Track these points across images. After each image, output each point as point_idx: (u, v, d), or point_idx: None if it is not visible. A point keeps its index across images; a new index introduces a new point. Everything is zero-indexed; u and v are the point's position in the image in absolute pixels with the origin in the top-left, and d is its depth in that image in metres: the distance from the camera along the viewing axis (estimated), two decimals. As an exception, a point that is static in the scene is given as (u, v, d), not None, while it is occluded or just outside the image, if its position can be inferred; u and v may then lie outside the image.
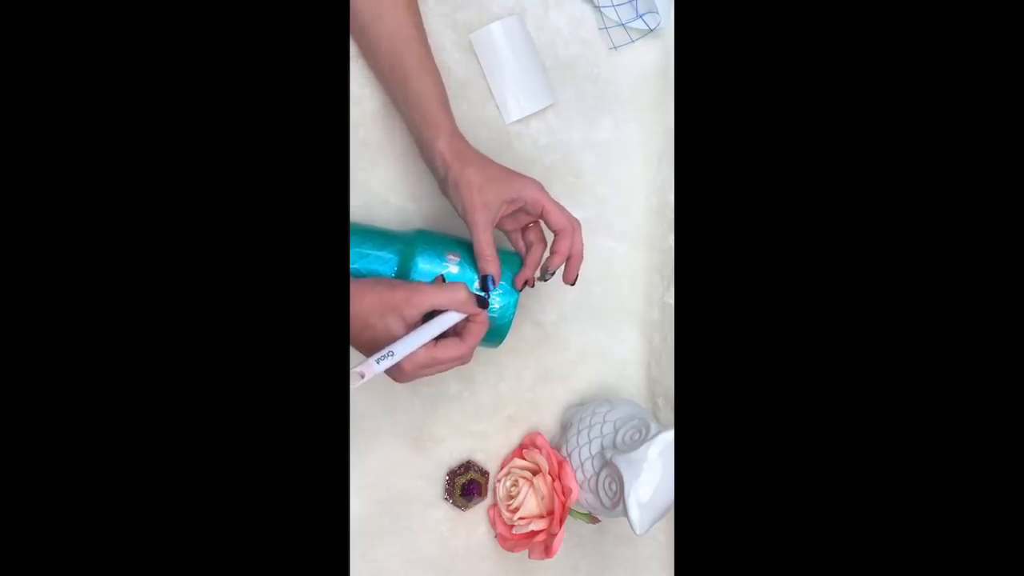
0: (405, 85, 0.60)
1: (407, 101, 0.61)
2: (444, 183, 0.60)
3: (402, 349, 0.53)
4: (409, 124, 0.62)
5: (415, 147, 0.66)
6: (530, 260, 0.62)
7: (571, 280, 0.62)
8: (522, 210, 0.61)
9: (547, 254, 0.62)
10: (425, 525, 0.72)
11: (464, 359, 0.57)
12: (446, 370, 0.57)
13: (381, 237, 0.63)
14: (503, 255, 0.63)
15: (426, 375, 0.56)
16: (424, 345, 0.54)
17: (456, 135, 0.61)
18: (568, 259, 0.61)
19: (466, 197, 0.59)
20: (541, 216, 0.61)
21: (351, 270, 0.61)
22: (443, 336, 0.57)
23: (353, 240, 0.62)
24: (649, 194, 0.74)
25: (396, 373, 0.55)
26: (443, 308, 0.56)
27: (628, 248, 0.75)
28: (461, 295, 0.56)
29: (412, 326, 0.55)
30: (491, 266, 0.60)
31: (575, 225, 0.61)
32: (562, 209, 0.61)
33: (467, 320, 0.57)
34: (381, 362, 0.52)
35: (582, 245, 0.62)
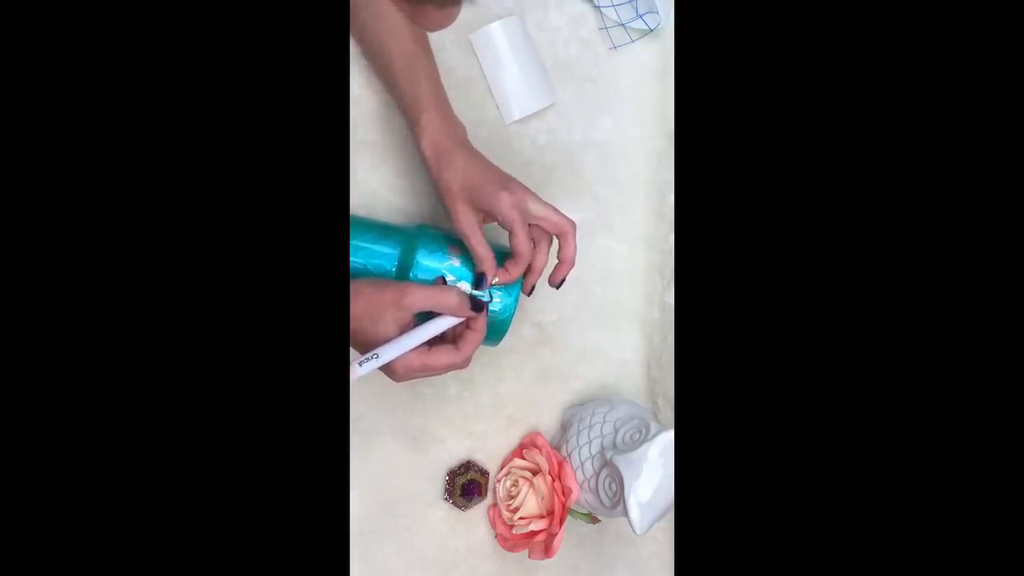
0: (394, 84, 0.59)
1: (396, 95, 0.60)
2: (432, 183, 0.59)
3: (387, 353, 0.52)
4: (403, 119, 0.61)
5: (415, 147, 0.66)
6: (536, 262, 0.59)
7: (556, 283, 0.60)
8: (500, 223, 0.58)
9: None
10: (425, 525, 0.72)
11: (460, 366, 0.56)
12: (442, 374, 0.56)
13: (383, 230, 0.63)
14: (501, 254, 0.63)
15: (421, 377, 0.55)
16: (418, 348, 0.53)
17: (443, 134, 0.58)
18: (559, 262, 0.59)
19: (446, 204, 0.57)
20: (509, 237, 0.57)
21: (352, 263, 0.61)
22: (441, 341, 0.56)
23: (355, 232, 0.61)
24: (649, 194, 0.74)
25: (389, 373, 0.54)
26: (434, 310, 0.55)
27: (628, 248, 0.75)
28: (453, 298, 0.54)
29: (404, 328, 0.54)
30: (485, 267, 0.57)
31: (571, 227, 0.58)
32: (550, 214, 0.58)
33: (465, 327, 0.56)
34: (364, 365, 0.52)
35: (575, 250, 0.59)
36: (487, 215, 0.58)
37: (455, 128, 0.59)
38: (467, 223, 0.57)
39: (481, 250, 0.57)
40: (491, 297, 0.60)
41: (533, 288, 0.60)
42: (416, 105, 0.58)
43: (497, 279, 0.58)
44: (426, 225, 0.64)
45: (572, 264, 0.59)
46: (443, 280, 0.59)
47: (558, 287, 0.61)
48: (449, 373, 0.57)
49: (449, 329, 0.56)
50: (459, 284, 0.60)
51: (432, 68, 0.60)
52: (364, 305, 0.53)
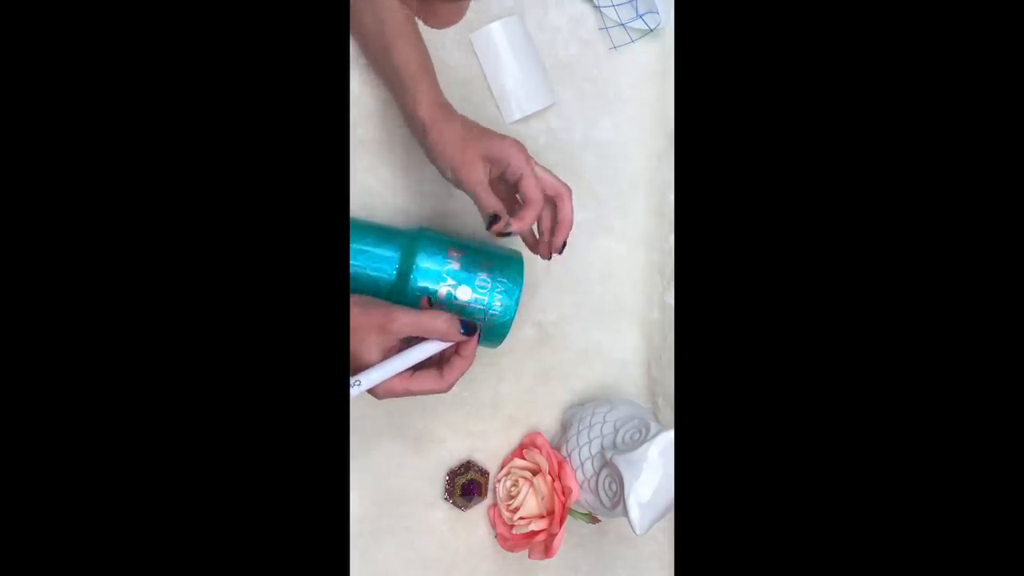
0: (387, 55, 0.58)
1: (389, 71, 0.59)
2: (430, 154, 0.58)
3: (368, 380, 0.51)
4: (394, 97, 0.61)
5: (415, 147, 0.66)
6: (563, 214, 0.58)
7: (558, 248, 0.59)
8: (503, 177, 0.58)
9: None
10: (425, 525, 0.72)
11: (443, 391, 0.54)
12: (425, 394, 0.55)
13: (383, 233, 0.63)
14: (502, 256, 0.63)
15: (402, 397, 0.54)
16: (401, 374, 0.52)
17: (437, 104, 0.58)
18: (556, 224, 0.59)
19: (450, 159, 0.56)
20: (519, 186, 0.56)
21: (352, 267, 0.61)
22: (427, 362, 0.54)
23: (354, 235, 0.61)
24: (649, 194, 0.74)
25: (370, 391, 0.53)
26: (420, 335, 0.53)
27: (628, 248, 0.75)
28: (441, 325, 0.52)
29: (388, 352, 0.53)
30: (497, 211, 0.55)
31: (567, 190, 0.58)
32: (547, 176, 0.58)
33: (454, 351, 0.54)
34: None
35: (572, 212, 0.59)
36: (493, 165, 0.57)
37: (446, 101, 0.60)
38: (475, 173, 0.55)
39: (489, 199, 0.56)
40: (485, 318, 0.60)
41: (565, 244, 0.59)
42: (414, 76, 0.58)
43: (513, 226, 0.56)
44: (426, 228, 0.64)
45: (570, 226, 0.59)
46: (428, 300, 0.58)
47: (560, 252, 0.60)
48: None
49: (437, 352, 0.54)
50: (459, 288, 0.60)
51: (423, 47, 0.60)
52: (352, 326, 0.52)
